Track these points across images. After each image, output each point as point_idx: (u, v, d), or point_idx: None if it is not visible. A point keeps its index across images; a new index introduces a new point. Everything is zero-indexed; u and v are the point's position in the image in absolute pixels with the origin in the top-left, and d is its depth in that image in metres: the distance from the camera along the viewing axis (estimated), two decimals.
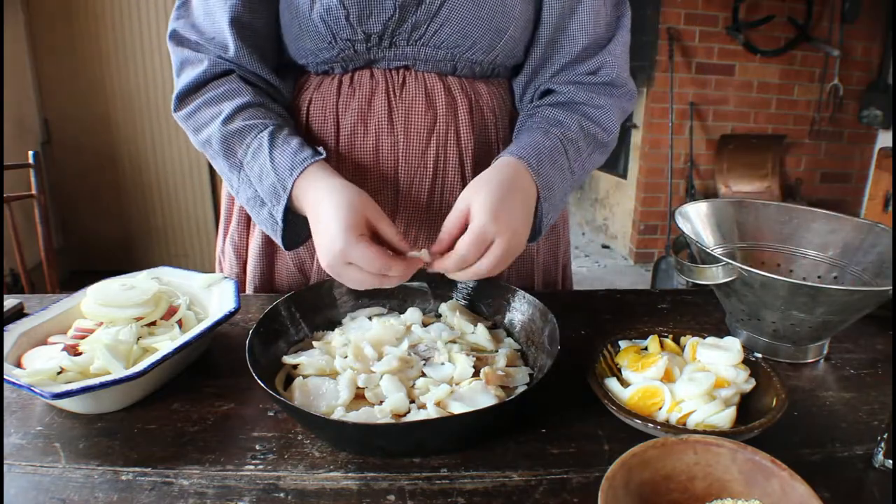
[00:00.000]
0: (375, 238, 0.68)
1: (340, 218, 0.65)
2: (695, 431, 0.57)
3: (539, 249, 0.97)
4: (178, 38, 0.82)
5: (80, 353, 0.66)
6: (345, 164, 0.85)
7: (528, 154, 0.74)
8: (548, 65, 0.86)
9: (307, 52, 0.83)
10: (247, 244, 0.96)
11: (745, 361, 0.67)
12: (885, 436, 0.57)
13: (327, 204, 0.68)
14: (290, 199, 0.73)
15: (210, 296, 0.79)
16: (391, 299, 0.82)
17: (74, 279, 3.32)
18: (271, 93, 0.85)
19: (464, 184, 0.87)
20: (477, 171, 0.86)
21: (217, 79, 0.81)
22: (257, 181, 0.76)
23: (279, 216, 0.74)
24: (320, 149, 0.76)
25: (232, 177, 0.79)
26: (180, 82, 0.81)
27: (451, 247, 0.67)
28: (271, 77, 0.84)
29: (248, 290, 0.96)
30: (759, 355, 0.68)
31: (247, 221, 0.96)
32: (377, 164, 0.84)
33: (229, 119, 0.77)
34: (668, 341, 0.72)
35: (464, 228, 0.67)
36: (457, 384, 0.65)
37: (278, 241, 0.77)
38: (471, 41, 0.80)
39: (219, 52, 0.80)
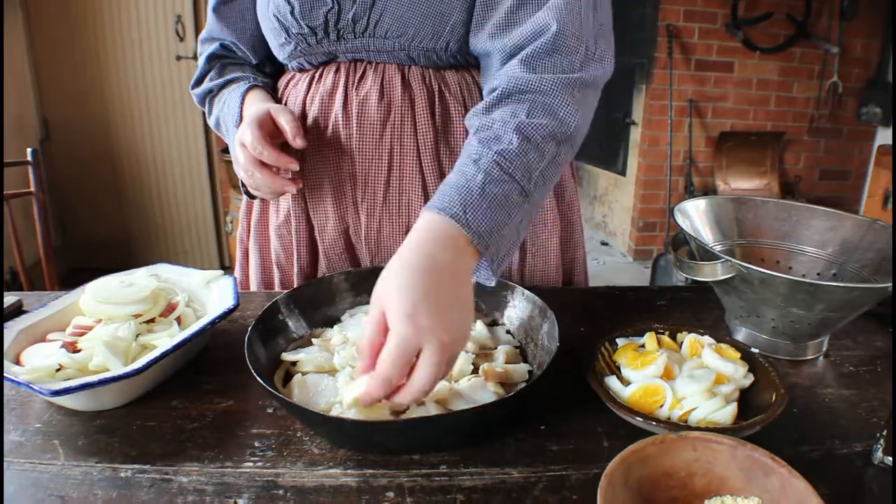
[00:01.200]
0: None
1: (251, 114, 0.80)
2: (694, 428, 0.57)
3: (527, 251, 0.95)
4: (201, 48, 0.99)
5: (78, 351, 0.66)
6: (309, 158, 0.88)
7: (452, 203, 0.60)
8: (490, 40, 0.76)
9: (276, 48, 0.90)
10: (248, 234, 1.02)
11: (744, 356, 0.67)
12: (885, 433, 0.57)
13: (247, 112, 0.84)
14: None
15: (209, 293, 0.78)
16: None
17: (73, 276, 3.32)
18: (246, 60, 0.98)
19: (422, 176, 0.87)
20: (436, 163, 0.87)
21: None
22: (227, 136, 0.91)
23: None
24: (253, 79, 0.91)
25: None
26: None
27: (373, 364, 0.55)
28: (248, 50, 0.95)
29: (252, 279, 1.01)
30: (756, 350, 0.68)
31: (247, 211, 1.02)
32: (336, 156, 0.87)
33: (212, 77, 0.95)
34: (665, 338, 0.72)
35: (384, 333, 0.55)
36: (456, 381, 0.65)
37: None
38: (413, 29, 0.80)
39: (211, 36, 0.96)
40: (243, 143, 0.79)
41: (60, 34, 3.15)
